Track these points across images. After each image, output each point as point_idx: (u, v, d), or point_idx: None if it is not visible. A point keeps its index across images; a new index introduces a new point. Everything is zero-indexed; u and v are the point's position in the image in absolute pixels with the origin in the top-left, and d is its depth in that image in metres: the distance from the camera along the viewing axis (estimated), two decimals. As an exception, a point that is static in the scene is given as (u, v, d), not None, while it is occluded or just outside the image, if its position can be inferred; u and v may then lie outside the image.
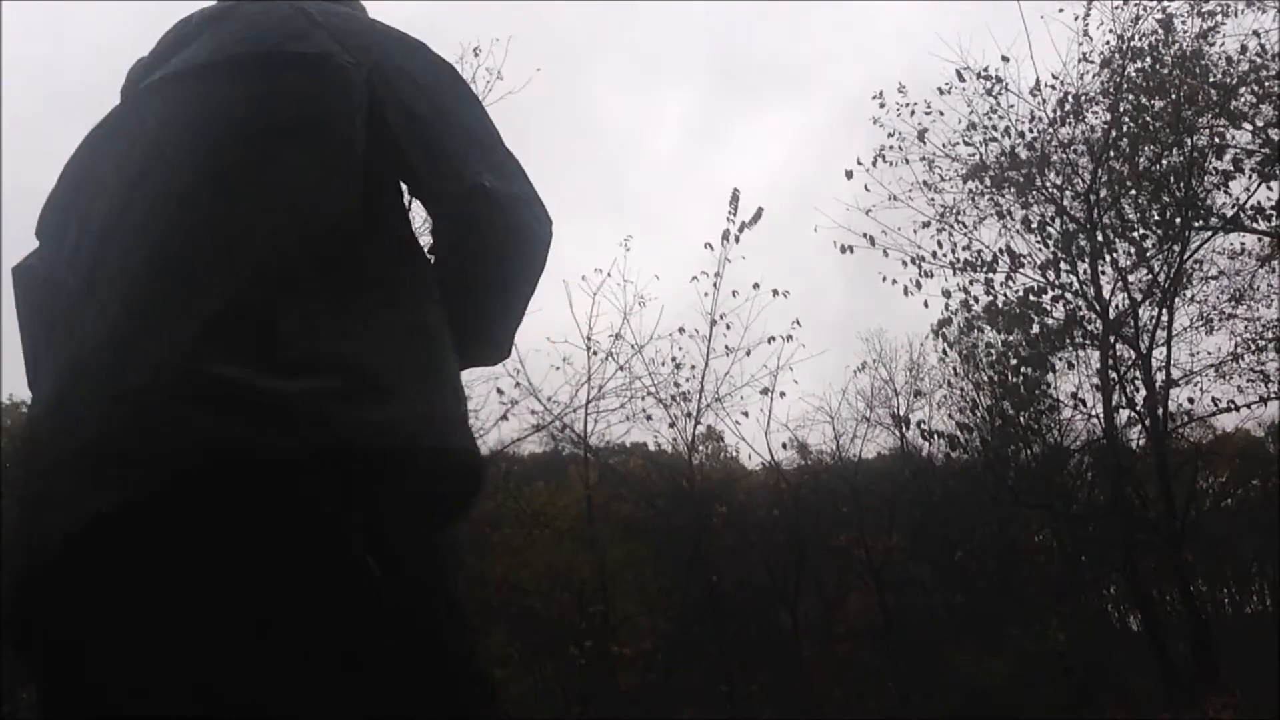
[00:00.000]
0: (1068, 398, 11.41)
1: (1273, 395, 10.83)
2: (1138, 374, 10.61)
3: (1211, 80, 10.04)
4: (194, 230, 1.09)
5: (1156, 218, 10.48)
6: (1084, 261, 10.59)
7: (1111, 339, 10.53)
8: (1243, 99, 10.07)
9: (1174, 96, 9.96)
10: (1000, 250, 10.66)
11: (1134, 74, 10.28)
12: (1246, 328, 11.20)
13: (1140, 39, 10.22)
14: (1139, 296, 10.74)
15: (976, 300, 10.57)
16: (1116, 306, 10.66)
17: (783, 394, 11.54)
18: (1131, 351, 10.64)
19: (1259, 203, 10.10)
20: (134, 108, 1.26)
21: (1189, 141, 10.10)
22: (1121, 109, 10.31)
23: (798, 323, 11.10)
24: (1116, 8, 10.29)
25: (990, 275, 10.56)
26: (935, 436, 11.99)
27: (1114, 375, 10.58)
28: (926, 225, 10.80)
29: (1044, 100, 10.58)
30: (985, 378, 11.57)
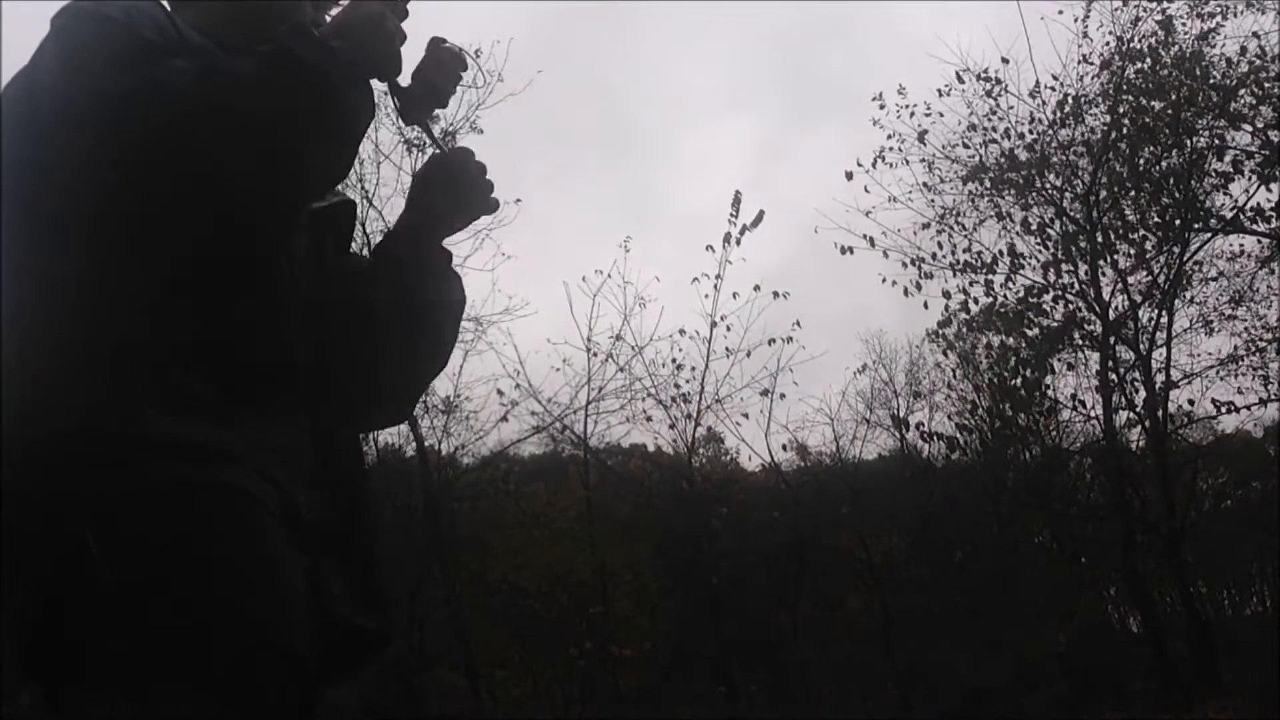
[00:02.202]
0: (1067, 399, 11.43)
1: (1273, 397, 10.84)
2: (1138, 375, 10.61)
3: (1211, 82, 10.04)
4: None
5: (1156, 219, 10.49)
6: (1084, 263, 10.59)
7: (1111, 340, 10.54)
8: (1242, 101, 10.08)
9: (1174, 98, 9.96)
10: (1000, 252, 10.68)
11: (1133, 75, 10.29)
12: (1246, 329, 11.21)
13: (1140, 40, 10.23)
14: (1139, 298, 10.75)
15: (976, 301, 10.58)
16: (1116, 308, 10.67)
17: (782, 396, 11.51)
18: (1131, 353, 10.65)
19: (1259, 204, 10.12)
20: None
21: (1189, 143, 10.11)
22: (1121, 110, 10.31)
23: (798, 324, 11.10)
24: (1116, 9, 10.30)
25: (990, 277, 10.57)
26: (934, 438, 12.00)
27: (1114, 377, 10.59)
28: (926, 227, 10.81)
29: (1043, 102, 10.60)
30: (984, 380, 11.59)
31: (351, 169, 1.44)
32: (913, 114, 10.81)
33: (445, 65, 1.37)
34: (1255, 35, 9.81)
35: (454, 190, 1.46)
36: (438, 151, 1.54)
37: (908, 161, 10.91)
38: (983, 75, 10.57)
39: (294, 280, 1.30)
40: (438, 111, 1.44)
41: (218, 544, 1.10)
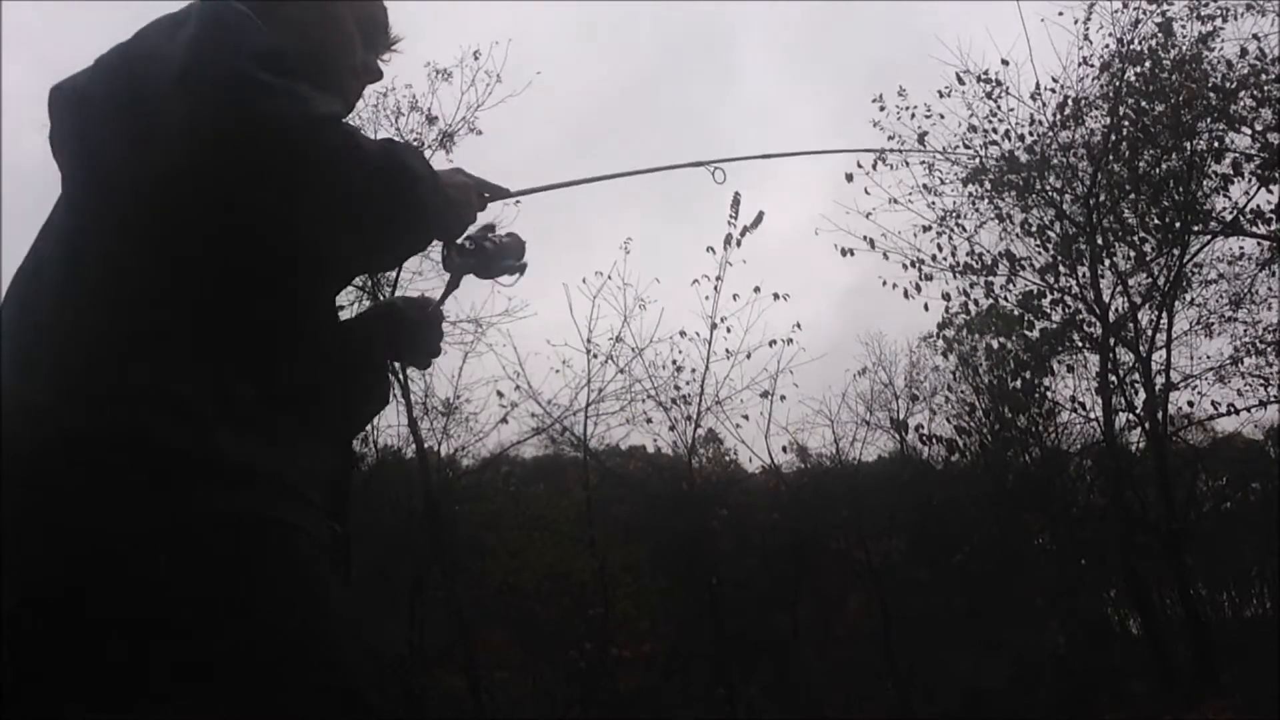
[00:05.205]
0: (1067, 401, 11.43)
1: (1272, 399, 10.83)
2: (1137, 377, 10.62)
3: (1211, 84, 10.04)
4: None
5: (1156, 221, 10.49)
6: (1084, 265, 10.60)
7: (1111, 342, 10.54)
8: (1242, 103, 10.08)
9: (1173, 100, 9.96)
10: (1000, 254, 10.67)
11: (1133, 78, 10.28)
12: (1246, 331, 11.21)
13: (1140, 43, 10.22)
14: (1139, 300, 10.75)
15: (977, 304, 10.58)
16: (1116, 310, 10.67)
17: (783, 397, 11.50)
18: (1131, 355, 10.66)
19: (1258, 206, 10.11)
20: None
21: (1188, 145, 10.11)
22: (1121, 113, 10.31)
23: (798, 325, 11.10)
24: (1116, 11, 10.30)
25: (990, 279, 10.57)
26: (934, 441, 11.98)
27: (1114, 379, 10.59)
28: (927, 229, 10.80)
29: (1044, 104, 10.61)
30: (984, 382, 11.59)
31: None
32: (913, 115, 10.82)
33: (503, 249, 1.49)
34: (1255, 38, 9.81)
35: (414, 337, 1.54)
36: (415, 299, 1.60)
37: (908, 163, 10.91)
38: (983, 77, 10.59)
39: (329, 312, 1.33)
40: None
41: (290, 581, 1.10)
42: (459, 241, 1.45)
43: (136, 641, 1.02)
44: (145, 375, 1.09)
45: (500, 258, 1.49)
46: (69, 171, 1.24)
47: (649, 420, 11.63)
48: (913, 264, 10.58)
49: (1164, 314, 10.67)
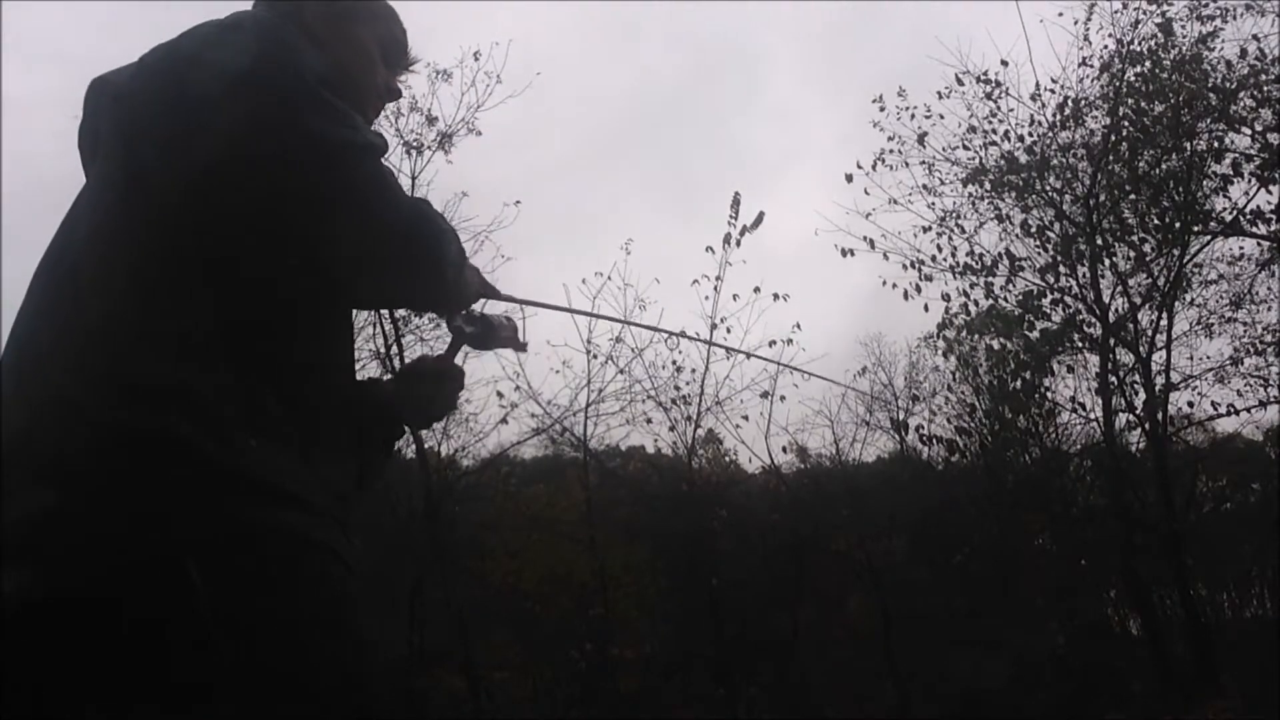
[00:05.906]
0: (1067, 402, 11.44)
1: (1272, 399, 10.84)
2: (1137, 378, 10.63)
3: (1211, 85, 10.05)
4: None
5: (1156, 222, 10.50)
6: (1083, 265, 10.61)
7: (1111, 343, 10.55)
8: (1242, 103, 10.09)
9: (1173, 101, 9.97)
10: (1000, 254, 10.69)
11: (1133, 78, 10.29)
12: (1246, 332, 11.21)
13: (1140, 43, 10.24)
14: (1138, 300, 10.76)
15: (977, 304, 10.59)
16: (1116, 310, 10.69)
17: (782, 398, 11.52)
18: (1131, 355, 10.66)
19: (1258, 207, 10.13)
20: None
21: (1188, 146, 10.12)
22: (1121, 113, 10.32)
23: (798, 326, 11.11)
24: (1116, 12, 10.32)
25: (990, 279, 10.58)
26: (934, 441, 11.99)
27: (1114, 379, 10.60)
28: (927, 230, 10.82)
29: (1043, 105, 10.62)
30: (984, 383, 11.60)
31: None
32: (913, 116, 10.83)
33: (501, 331, 1.55)
34: (1255, 38, 9.82)
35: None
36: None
37: (908, 164, 10.94)
38: (982, 78, 10.60)
39: (345, 327, 1.33)
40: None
41: (316, 600, 1.08)
42: (464, 310, 1.51)
43: (158, 648, 0.99)
44: (170, 375, 1.08)
45: (499, 335, 1.56)
46: (102, 165, 1.24)
47: (649, 421, 11.67)
48: (912, 265, 10.62)
49: (1164, 314, 10.68)
